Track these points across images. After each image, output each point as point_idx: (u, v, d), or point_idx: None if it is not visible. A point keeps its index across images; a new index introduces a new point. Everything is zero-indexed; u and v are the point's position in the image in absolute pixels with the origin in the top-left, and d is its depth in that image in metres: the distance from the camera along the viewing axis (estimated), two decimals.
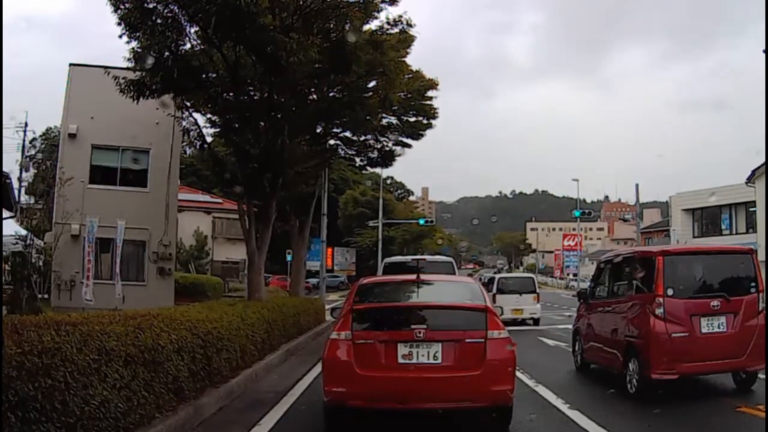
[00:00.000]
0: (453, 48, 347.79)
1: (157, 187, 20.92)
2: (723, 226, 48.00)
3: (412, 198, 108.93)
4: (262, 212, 13.98)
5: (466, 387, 5.83)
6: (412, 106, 19.49)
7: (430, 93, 19.66)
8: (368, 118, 16.72)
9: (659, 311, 7.99)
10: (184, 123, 13.44)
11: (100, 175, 21.21)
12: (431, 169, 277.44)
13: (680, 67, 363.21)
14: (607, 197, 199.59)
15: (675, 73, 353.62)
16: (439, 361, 5.87)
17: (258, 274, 13.99)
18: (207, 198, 54.80)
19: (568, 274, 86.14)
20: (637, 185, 45.35)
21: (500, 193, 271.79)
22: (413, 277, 6.94)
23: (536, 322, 19.52)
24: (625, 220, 46.93)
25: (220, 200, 54.61)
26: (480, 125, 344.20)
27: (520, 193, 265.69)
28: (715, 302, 8.04)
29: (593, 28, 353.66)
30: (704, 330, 8.01)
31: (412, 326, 5.93)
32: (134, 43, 12.41)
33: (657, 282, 8.12)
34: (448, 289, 7.37)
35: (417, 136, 20.70)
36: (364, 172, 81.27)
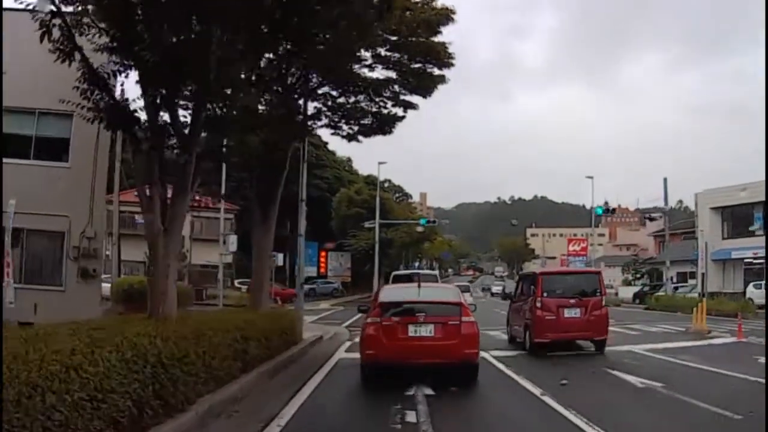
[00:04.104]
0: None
1: (81, 162, 15.89)
2: (756, 226, 43.05)
3: (410, 202, 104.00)
4: (177, 168, 8.80)
5: (449, 350, 9.14)
6: (419, 45, 14.28)
7: (442, 29, 14.38)
8: (357, 51, 11.76)
9: (539, 305, 13.80)
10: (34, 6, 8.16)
11: (10, 145, 16.16)
12: (429, 175, 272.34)
13: (684, 74, 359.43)
14: (607, 203, 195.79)
15: (679, 80, 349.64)
16: (433, 334, 9.23)
17: (164, 274, 8.48)
18: None
19: None
20: (665, 179, 40.66)
21: (499, 199, 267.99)
22: (416, 284, 10.71)
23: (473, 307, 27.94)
24: (651, 219, 42.11)
25: (197, 197, 49.47)
26: (479, 131, 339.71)
27: (519, 198, 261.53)
28: (572, 300, 13.89)
29: (596, 35, 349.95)
30: (566, 316, 13.72)
31: (417, 314, 9.35)
32: None
33: (537, 289, 14.09)
34: (438, 292, 11.32)
35: (425, 92, 15.51)
36: (360, 172, 76.49)
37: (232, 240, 28.25)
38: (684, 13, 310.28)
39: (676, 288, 43.10)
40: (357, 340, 15.30)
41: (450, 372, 9.24)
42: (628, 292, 57.43)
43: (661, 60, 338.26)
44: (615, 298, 54.06)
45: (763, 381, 8.70)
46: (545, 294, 13.86)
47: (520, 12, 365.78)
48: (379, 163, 49.21)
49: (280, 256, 40.84)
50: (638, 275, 61.47)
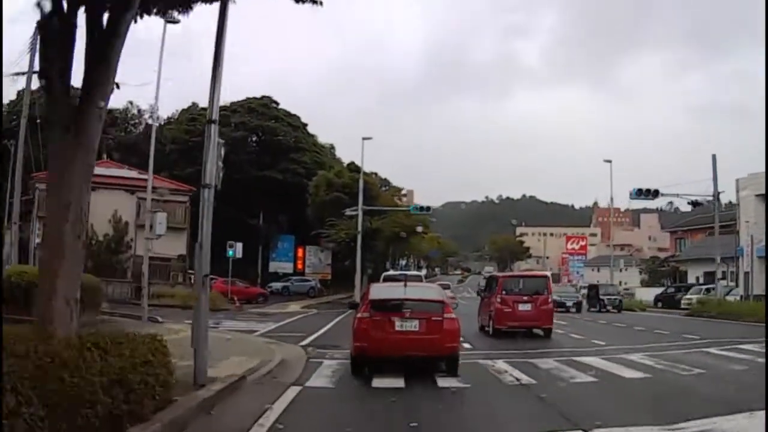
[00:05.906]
0: (447, 53, 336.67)
1: None
2: None
3: (397, 197, 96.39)
4: None
5: (432, 344, 10.04)
6: None
7: None
8: None
9: (499, 300, 18.22)
10: None
11: None
12: (416, 174, 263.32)
13: (679, 77, 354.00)
14: (596, 203, 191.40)
15: (673, 82, 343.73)
16: (418, 329, 10.08)
17: None
18: (132, 174, 41.39)
19: (576, 282, 73.16)
20: (713, 156, 33.69)
21: (487, 198, 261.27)
22: (402, 283, 11.46)
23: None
24: (696, 205, 35.35)
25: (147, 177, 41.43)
26: (468, 130, 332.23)
27: (507, 198, 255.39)
28: (525, 297, 18.23)
29: (595, 37, 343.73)
30: (520, 309, 17.98)
31: (403, 310, 10.18)
32: None
33: (498, 287, 18.72)
34: (422, 290, 12.14)
35: None
36: (342, 159, 68.77)
37: (160, 220, 20.38)
38: (685, 14, 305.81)
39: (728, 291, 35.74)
40: (311, 383, 8.61)
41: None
42: (647, 294, 50.23)
43: (658, 62, 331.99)
44: (635, 302, 46.33)
45: None
46: (504, 292, 18.50)
47: (512, 12, 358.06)
48: (364, 138, 41.25)
49: (239, 246, 32.62)
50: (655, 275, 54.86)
